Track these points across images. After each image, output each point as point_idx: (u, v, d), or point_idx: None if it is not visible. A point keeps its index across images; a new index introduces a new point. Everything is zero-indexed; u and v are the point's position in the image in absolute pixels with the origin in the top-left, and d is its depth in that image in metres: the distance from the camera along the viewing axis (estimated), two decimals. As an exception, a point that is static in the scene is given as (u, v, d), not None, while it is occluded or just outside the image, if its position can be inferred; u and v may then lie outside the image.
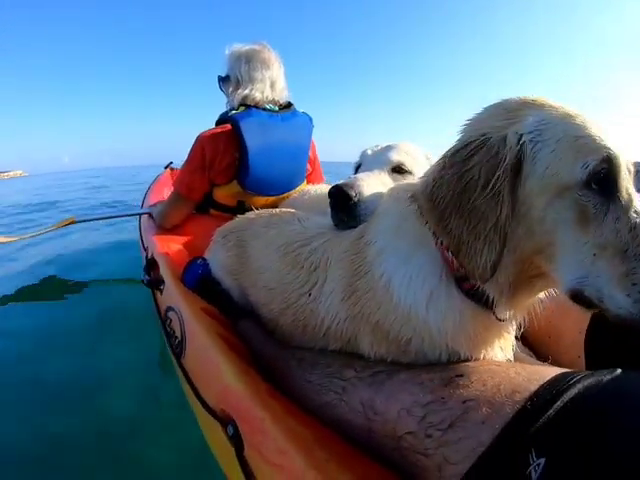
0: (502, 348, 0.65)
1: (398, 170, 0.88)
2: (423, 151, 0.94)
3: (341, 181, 0.80)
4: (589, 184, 0.48)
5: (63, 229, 2.20)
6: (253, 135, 1.42)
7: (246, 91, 1.49)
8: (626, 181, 0.51)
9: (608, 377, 0.45)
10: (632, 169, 0.54)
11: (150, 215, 1.82)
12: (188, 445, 0.95)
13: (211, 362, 0.78)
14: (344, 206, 0.76)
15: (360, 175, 0.85)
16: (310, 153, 1.72)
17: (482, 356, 0.61)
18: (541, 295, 0.63)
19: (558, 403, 0.42)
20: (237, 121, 1.41)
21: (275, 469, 0.56)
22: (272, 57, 1.56)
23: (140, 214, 1.96)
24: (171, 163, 3.20)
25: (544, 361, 0.93)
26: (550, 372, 0.49)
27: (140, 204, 2.28)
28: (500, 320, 0.61)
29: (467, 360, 0.61)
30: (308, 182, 1.78)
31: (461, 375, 0.53)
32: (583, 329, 0.82)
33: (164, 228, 1.62)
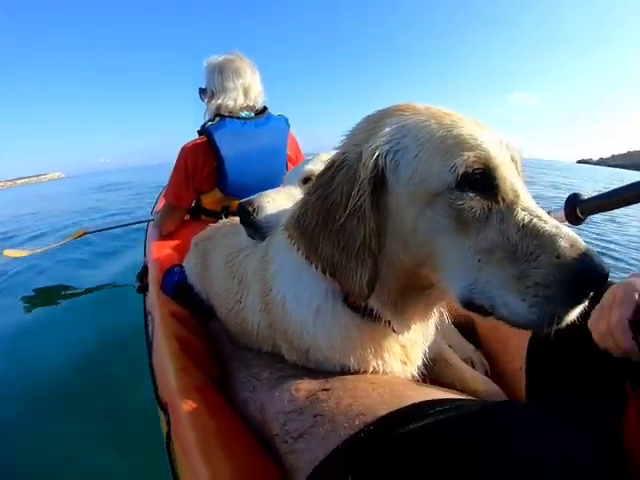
0: (406, 360, 0.66)
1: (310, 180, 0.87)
2: None
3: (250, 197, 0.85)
4: (462, 187, 0.45)
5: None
6: (227, 144, 1.50)
7: (219, 101, 1.56)
8: (510, 177, 0.47)
9: (465, 411, 0.45)
10: (518, 159, 0.50)
11: None
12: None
13: (163, 359, 0.89)
14: (248, 222, 0.81)
15: (268, 191, 0.88)
16: (290, 153, 1.76)
17: (372, 369, 0.62)
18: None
19: (394, 434, 0.42)
20: (211, 133, 1.50)
21: (185, 460, 0.65)
22: (244, 65, 1.60)
23: (148, 221, 2.13)
24: None
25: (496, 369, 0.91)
26: (419, 398, 0.49)
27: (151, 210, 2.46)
28: (396, 332, 0.62)
29: (356, 372, 0.62)
30: None
31: (327, 390, 0.56)
32: (528, 335, 0.77)
33: (162, 234, 1.77)
